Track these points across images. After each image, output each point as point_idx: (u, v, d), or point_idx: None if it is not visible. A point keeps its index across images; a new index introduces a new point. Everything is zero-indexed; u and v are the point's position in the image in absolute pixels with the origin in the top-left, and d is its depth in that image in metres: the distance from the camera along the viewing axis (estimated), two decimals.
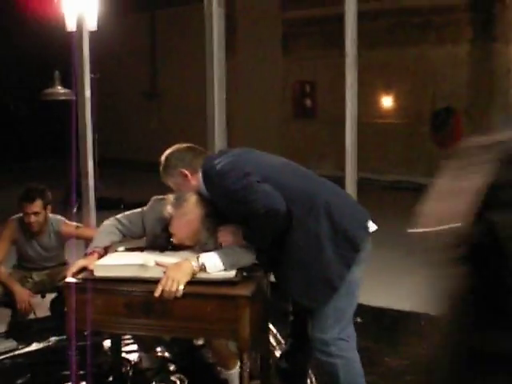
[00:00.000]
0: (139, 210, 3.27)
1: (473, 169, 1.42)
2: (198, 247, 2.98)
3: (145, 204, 3.27)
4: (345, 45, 4.53)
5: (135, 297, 2.76)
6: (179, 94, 13.13)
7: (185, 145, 3.12)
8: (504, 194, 1.37)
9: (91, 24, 5.36)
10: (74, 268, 2.93)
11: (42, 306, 4.52)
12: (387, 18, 10.91)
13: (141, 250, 3.16)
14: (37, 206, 4.21)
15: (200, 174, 2.95)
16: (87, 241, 3.94)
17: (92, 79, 4.89)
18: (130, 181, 11.34)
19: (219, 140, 5.17)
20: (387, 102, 11.15)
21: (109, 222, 3.22)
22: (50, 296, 4.55)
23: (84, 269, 2.93)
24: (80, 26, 4.65)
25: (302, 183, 2.88)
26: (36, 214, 4.21)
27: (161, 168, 3.06)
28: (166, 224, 3.06)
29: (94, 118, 4.86)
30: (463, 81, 10.50)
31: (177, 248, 3.04)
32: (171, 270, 2.74)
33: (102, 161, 7.22)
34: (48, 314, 4.53)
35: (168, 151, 3.09)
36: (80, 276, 2.88)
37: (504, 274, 1.38)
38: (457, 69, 10.53)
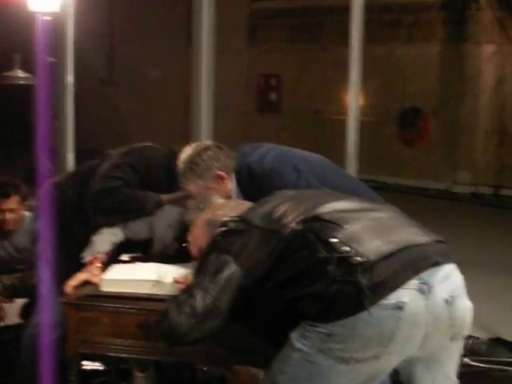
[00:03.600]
0: None
1: None
2: None
3: None
4: (349, 37, 4.30)
5: (151, 316, 2.39)
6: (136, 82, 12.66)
7: (210, 142, 2.71)
8: None
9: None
10: (73, 281, 2.54)
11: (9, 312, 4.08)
12: None
13: (147, 259, 2.79)
14: (13, 202, 3.79)
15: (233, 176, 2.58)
16: None
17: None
18: None
19: (205, 130, 4.88)
20: None
21: None
22: (18, 301, 4.12)
23: (85, 282, 2.55)
24: (64, 8, 4.28)
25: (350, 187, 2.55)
26: (12, 210, 3.80)
27: (185, 169, 2.56)
28: (179, 232, 2.71)
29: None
30: (433, 81, 10.36)
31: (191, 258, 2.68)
32: None
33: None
34: (16, 321, 4.10)
35: (194, 149, 2.57)
36: (83, 292, 2.49)
37: None
38: (427, 68, 10.38)
